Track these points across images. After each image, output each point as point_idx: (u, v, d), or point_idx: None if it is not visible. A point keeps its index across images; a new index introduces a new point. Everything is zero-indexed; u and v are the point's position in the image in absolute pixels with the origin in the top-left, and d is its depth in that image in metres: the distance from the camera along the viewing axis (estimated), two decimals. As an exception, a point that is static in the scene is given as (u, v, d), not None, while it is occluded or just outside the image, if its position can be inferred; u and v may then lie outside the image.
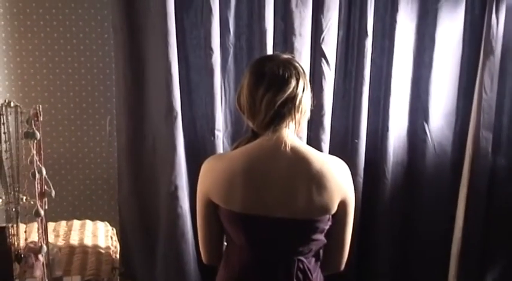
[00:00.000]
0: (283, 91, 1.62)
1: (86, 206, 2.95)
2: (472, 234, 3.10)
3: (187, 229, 2.78)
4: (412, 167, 3.10)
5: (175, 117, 2.64)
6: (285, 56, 1.73)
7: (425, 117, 3.02)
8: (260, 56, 1.91)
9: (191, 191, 2.80)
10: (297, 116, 1.67)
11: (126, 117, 2.70)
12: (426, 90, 2.98)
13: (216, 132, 2.73)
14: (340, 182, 1.66)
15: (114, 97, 2.75)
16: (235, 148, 1.77)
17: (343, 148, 2.98)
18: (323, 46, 2.78)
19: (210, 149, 2.74)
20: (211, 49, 2.62)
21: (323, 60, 2.79)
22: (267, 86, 1.62)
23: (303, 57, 2.75)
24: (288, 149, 1.63)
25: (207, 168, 1.73)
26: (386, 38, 2.92)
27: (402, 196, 3.11)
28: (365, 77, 2.86)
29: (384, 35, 2.93)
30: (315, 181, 1.61)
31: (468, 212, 3.08)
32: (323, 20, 2.76)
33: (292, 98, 1.63)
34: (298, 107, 1.66)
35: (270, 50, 2.70)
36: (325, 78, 2.80)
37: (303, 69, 1.70)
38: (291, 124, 1.68)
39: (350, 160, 2.90)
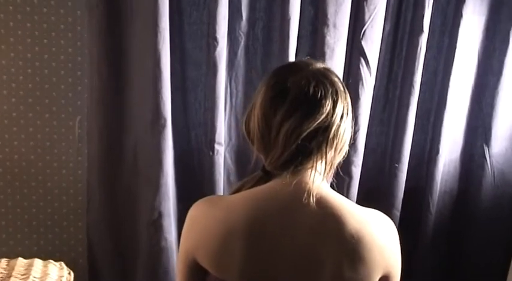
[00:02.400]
0: (313, 118, 1.17)
1: (41, 236, 2.35)
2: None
3: (173, 266, 2.20)
4: (464, 200, 2.46)
5: (164, 125, 2.06)
6: (318, 64, 1.28)
7: (486, 139, 2.37)
8: (282, 64, 1.38)
9: (180, 219, 2.20)
10: (330, 153, 1.22)
11: (100, 121, 2.10)
12: (491, 104, 2.32)
13: (216, 146, 2.13)
14: (384, 252, 1.21)
15: (86, 93, 2.11)
16: (238, 190, 1.31)
17: (378, 173, 2.37)
18: (363, 42, 2.13)
19: (208, 168, 2.16)
20: (215, 38, 2.01)
21: (362, 60, 2.15)
22: (289, 109, 1.18)
23: (336, 56, 2.11)
24: (312, 200, 1.19)
25: (195, 216, 1.28)
26: (446, 36, 2.26)
27: (448, 236, 2.47)
28: (414, 84, 2.20)
29: (443, 31, 2.28)
30: (349, 249, 1.16)
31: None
32: (366, 9, 2.10)
33: (326, 128, 1.19)
34: (333, 141, 1.21)
35: (293, 44, 2.07)
36: (363, 83, 2.16)
37: (343, 86, 1.26)
38: (320, 165, 1.23)
39: (387, 189, 2.30)
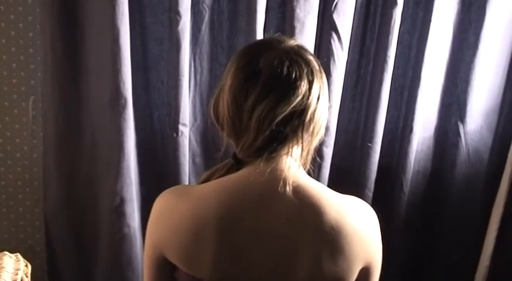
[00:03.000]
0: (288, 101, 1.09)
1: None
2: (501, 266, 2.44)
3: (136, 254, 2.09)
4: (438, 179, 2.37)
5: (124, 106, 1.92)
6: (291, 42, 1.18)
7: (461, 116, 2.28)
8: (252, 42, 1.30)
9: (143, 205, 2.08)
10: (306, 138, 1.14)
11: (55, 101, 1.96)
12: (466, 80, 2.23)
13: (181, 127, 2.01)
14: (365, 242, 1.14)
15: (40, 71, 1.96)
16: (207, 179, 1.22)
17: (350, 152, 2.27)
18: (335, 16, 2.01)
19: (172, 151, 2.04)
20: (177, 12, 1.87)
21: (333, 34, 2.03)
22: (262, 92, 1.09)
23: (306, 30, 2.00)
24: (288, 189, 1.10)
25: (161, 208, 1.18)
26: (420, 8, 2.15)
27: (422, 217, 2.40)
28: (388, 59, 2.09)
29: (417, 3, 2.17)
30: (329, 241, 1.09)
31: (500, 239, 2.40)
32: (337, -21, 1.98)
33: (301, 111, 1.10)
34: (309, 124, 1.13)
35: (261, 18, 1.95)
36: (334, 59, 2.05)
37: (318, 65, 1.16)
38: (296, 150, 1.15)
39: (359, 169, 2.21)
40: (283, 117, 1.08)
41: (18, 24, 1.96)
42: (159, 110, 2.06)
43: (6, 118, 2.05)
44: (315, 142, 1.18)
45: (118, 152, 1.95)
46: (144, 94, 2.03)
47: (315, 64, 1.14)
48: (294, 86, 1.09)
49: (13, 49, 1.98)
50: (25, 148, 2.11)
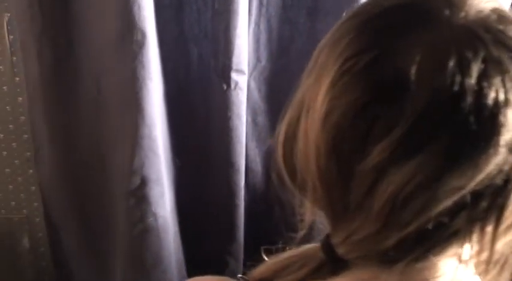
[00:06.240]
0: (475, 167, 0.45)
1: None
2: None
3: (168, 253, 1.44)
4: None
5: (142, 43, 1.19)
6: (482, 4, 0.48)
7: None
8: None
9: (177, 184, 1.42)
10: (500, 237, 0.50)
11: (36, 25, 1.24)
12: None
13: (235, 75, 1.28)
14: None
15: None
16: (267, 278, 0.62)
17: None
18: None
19: (221, 111, 1.32)
20: None
21: None
22: (407, 139, 0.46)
23: None
24: None
25: None
26: None
27: None
28: None
29: None
30: None
31: None
32: None
33: (499, 187, 0.47)
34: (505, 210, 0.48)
35: None
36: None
37: None
38: (467, 249, 0.51)
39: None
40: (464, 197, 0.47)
41: None
42: (199, 47, 1.30)
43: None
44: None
45: (134, 113, 1.24)
46: (173, 23, 1.26)
47: None
48: (491, 131, 0.46)
49: None
50: (4, 87, 1.41)
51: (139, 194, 1.34)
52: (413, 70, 0.45)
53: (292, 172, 0.58)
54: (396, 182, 0.47)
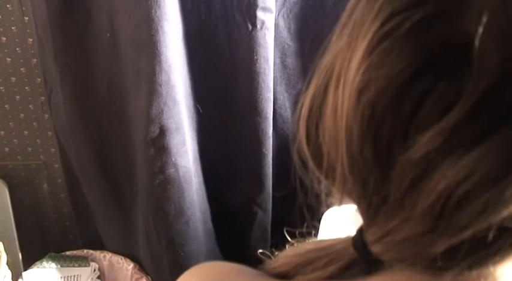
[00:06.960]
0: None
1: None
2: None
3: (191, 203, 1.36)
4: None
5: None
6: None
7: None
8: None
9: (200, 131, 1.32)
10: None
11: None
12: None
13: (260, 13, 1.15)
14: None
15: None
16: (287, 271, 0.50)
17: None
18: None
19: (246, 53, 1.19)
20: None
21: None
22: (468, 116, 0.33)
23: None
24: None
25: None
26: None
27: None
28: None
29: None
30: None
31: None
32: None
33: None
34: None
35: None
36: None
37: None
38: None
39: None
40: None
41: None
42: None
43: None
44: None
45: (151, 58, 1.12)
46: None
47: None
48: None
49: None
50: (13, 28, 1.31)
51: (158, 144, 1.25)
52: (478, 33, 0.33)
53: (317, 155, 0.46)
54: (450, 178, 0.35)
